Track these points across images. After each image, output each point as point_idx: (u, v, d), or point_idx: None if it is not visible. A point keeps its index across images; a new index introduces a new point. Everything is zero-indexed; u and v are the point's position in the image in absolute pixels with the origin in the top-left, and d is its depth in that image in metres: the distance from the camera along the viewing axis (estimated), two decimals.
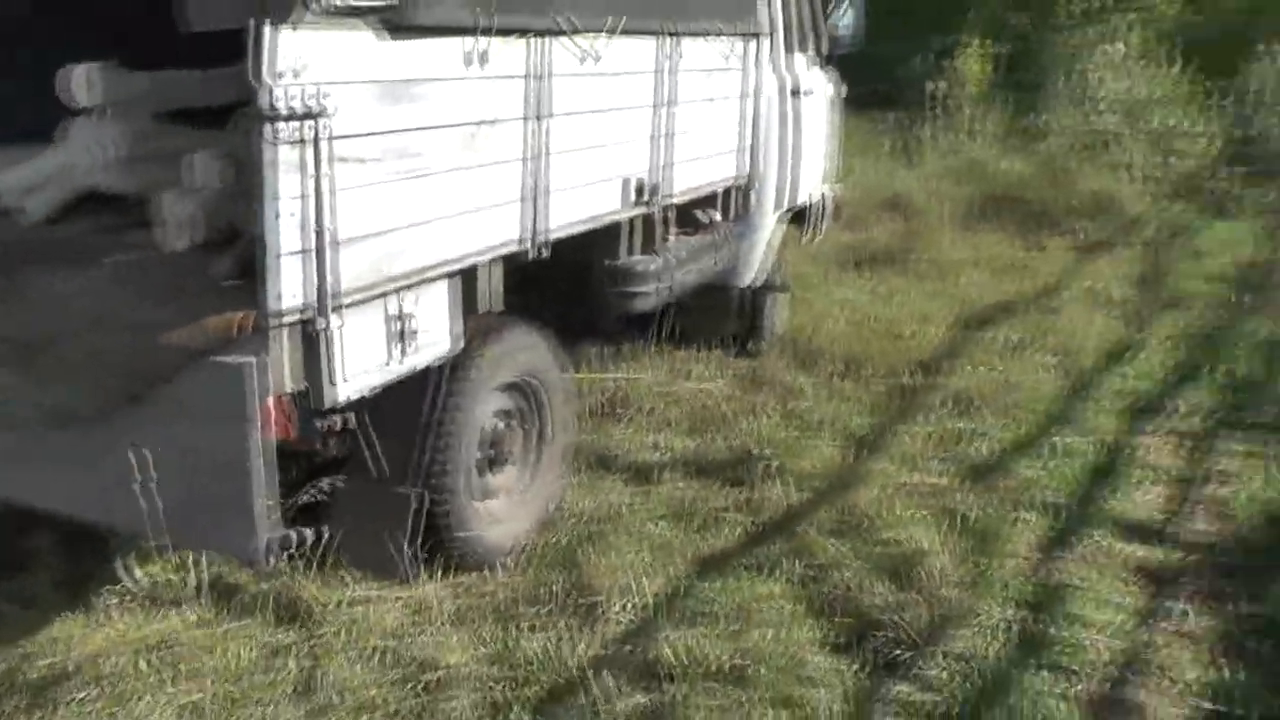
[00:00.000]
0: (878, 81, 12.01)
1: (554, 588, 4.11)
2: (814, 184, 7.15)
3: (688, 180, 5.57)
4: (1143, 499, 5.13)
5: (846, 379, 6.45)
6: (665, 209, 5.45)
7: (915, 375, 6.51)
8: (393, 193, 3.42)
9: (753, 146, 6.26)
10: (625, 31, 4.56)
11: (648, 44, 4.96)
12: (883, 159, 11.84)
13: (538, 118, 4.12)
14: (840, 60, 7.51)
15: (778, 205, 6.61)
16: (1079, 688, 3.64)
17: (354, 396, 3.42)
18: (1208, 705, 3.58)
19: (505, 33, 3.82)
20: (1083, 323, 7.52)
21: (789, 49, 6.58)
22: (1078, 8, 13.16)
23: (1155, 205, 10.75)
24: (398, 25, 3.28)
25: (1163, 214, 10.54)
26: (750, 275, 6.58)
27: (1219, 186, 11.40)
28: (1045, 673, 3.70)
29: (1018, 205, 10.43)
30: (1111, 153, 11.56)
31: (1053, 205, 10.48)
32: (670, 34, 5.08)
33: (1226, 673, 3.76)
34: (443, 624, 3.89)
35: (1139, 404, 6.23)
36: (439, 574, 4.12)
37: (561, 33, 4.16)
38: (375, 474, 3.82)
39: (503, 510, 4.45)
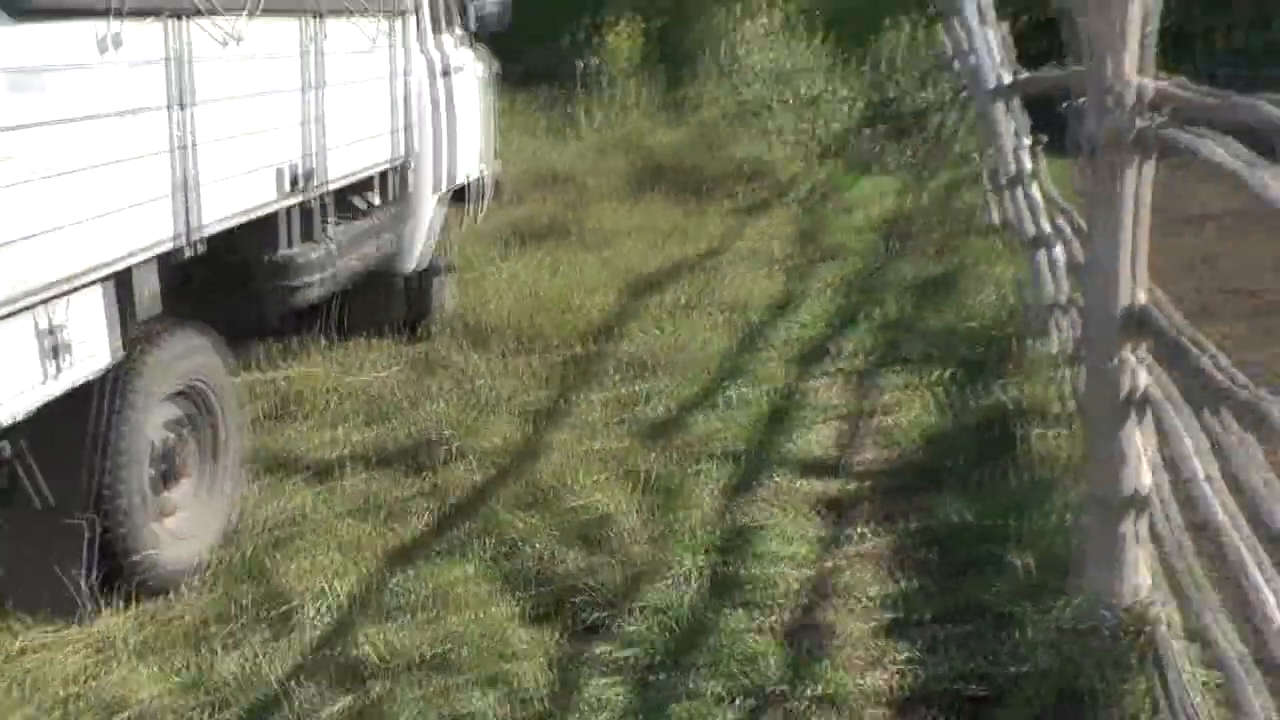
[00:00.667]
0: (528, 59, 12.02)
1: (244, 601, 3.88)
2: (472, 163, 7.07)
3: (343, 165, 5.39)
4: (816, 438, 5.31)
5: (520, 355, 6.37)
6: (323, 196, 5.25)
7: (588, 344, 6.51)
8: (28, 193, 3.12)
9: (406, 127, 6.12)
10: (266, 11, 4.37)
11: (291, 24, 4.78)
12: (540, 135, 11.89)
13: (181, 105, 3.91)
14: (490, 39, 7.45)
15: (436, 186, 6.49)
16: (773, 619, 3.72)
17: (6, 422, 3.15)
18: (889, 615, 3.73)
19: (139, 14, 3.60)
20: (746, 280, 7.75)
21: (436, 28, 6.47)
22: None
23: (806, 167, 11.26)
24: (18, 9, 3.00)
25: (813, 174, 11.06)
26: (414, 258, 6.43)
27: (862, 146, 12.07)
28: (740, 610, 3.76)
29: (676, 174, 10.69)
30: (762, 120, 12.01)
31: (710, 172, 10.79)
32: (313, 13, 4.91)
33: (903, 584, 3.93)
34: (130, 659, 3.57)
35: (805, 351, 6.46)
36: (121, 605, 3.82)
37: (199, 13, 3.96)
38: (40, 504, 3.52)
39: (183, 527, 4.18)
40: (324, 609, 3.82)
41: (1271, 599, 2.36)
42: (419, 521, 4.53)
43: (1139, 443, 3.24)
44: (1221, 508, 2.68)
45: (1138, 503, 3.22)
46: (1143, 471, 3.23)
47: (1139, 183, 3.14)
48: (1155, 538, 3.26)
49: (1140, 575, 3.26)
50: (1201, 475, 2.76)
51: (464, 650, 3.53)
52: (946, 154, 10.44)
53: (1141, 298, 3.19)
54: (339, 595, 3.88)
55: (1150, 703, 2.93)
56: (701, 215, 9.90)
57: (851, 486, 4.79)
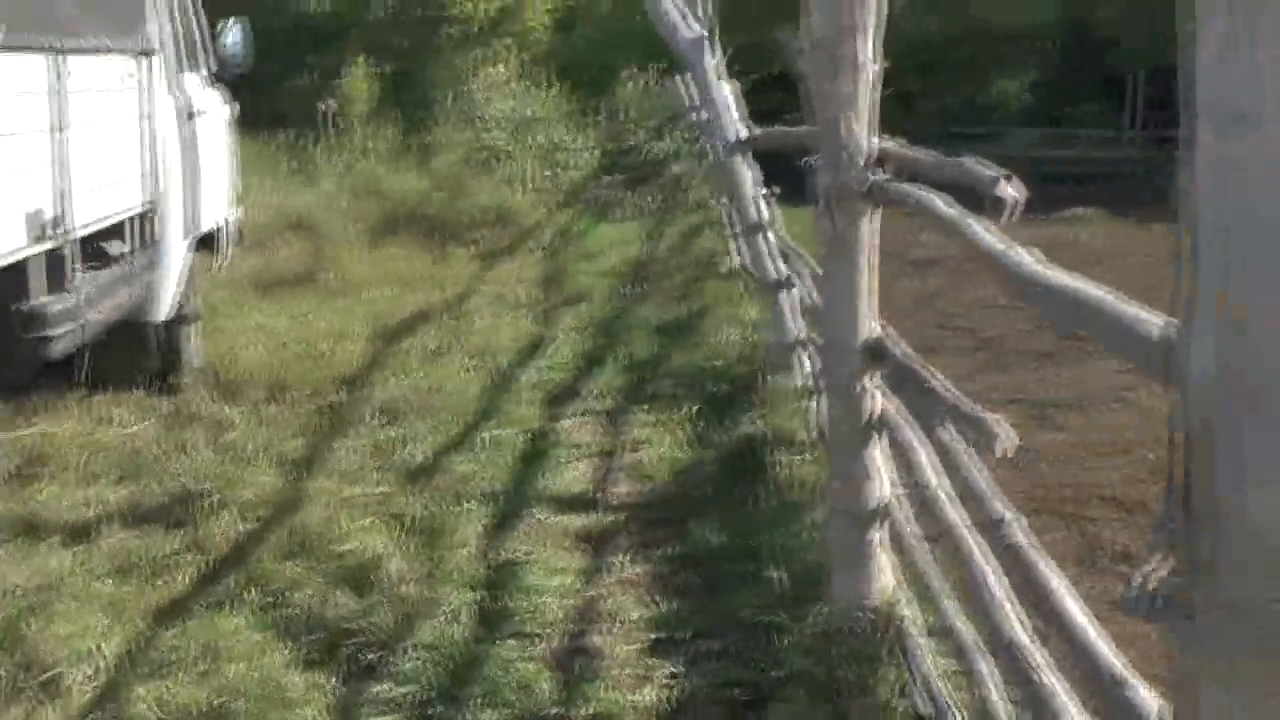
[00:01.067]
0: (267, 101, 11.85)
1: (1, 671, 3.68)
2: (219, 208, 6.95)
3: (93, 209, 5.23)
4: (572, 475, 5.52)
5: (273, 404, 6.31)
6: (72, 242, 5.05)
7: (340, 392, 6.52)
8: None
9: (155, 171, 5.95)
10: (6, 48, 4.25)
11: (34, 61, 4.62)
12: (280, 179, 11.72)
13: None
14: (229, 81, 7.36)
15: (185, 232, 6.34)
16: (543, 647, 3.88)
17: None
18: (654, 635, 3.96)
19: None
20: (495, 325, 7.91)
21: (181, 68, 6.35)
22: (457, 31, 13.79)
23: (548, 213, 11.54)
24: None
25: (555, 221, 11.34)
26: (164, 307, 6.25)
27: (602, 193, 12.45)
28: (511, 641, 3.89)
29: (419, 220, 10.76)
30: (504, 167, 12.23)
31: (453, 219, 10.91)
32: (58, 51, 4.76)
33: (664, 606, 4.17)
34: None
35: (555, 393, 6.68)
36: None
37: None
38: None
39: None
40: (91, 672, 3.69)
41: (1000, 591, 2.70)
42: (184, 577, 4.42)
43: (879, 460, 3.61)
44: (952, 512, 3.05)
45: (880, 513, 3.59)
46: (883, 485, 3.60)
47: (870, 230, 3.52)
48: (897, 544, 3.64)
49: (886, 578, 3.63)
50: (934, 484, 3.14)
51: (241, 701, 3.50)
52: (683, 202, 10.93)
53: (877, 330, 3.56)
54: (106, 657, 3.75)
55: (899, 690, 3.26)
56: (447, 261, 10.00)
57: (609, 519, 5.01)
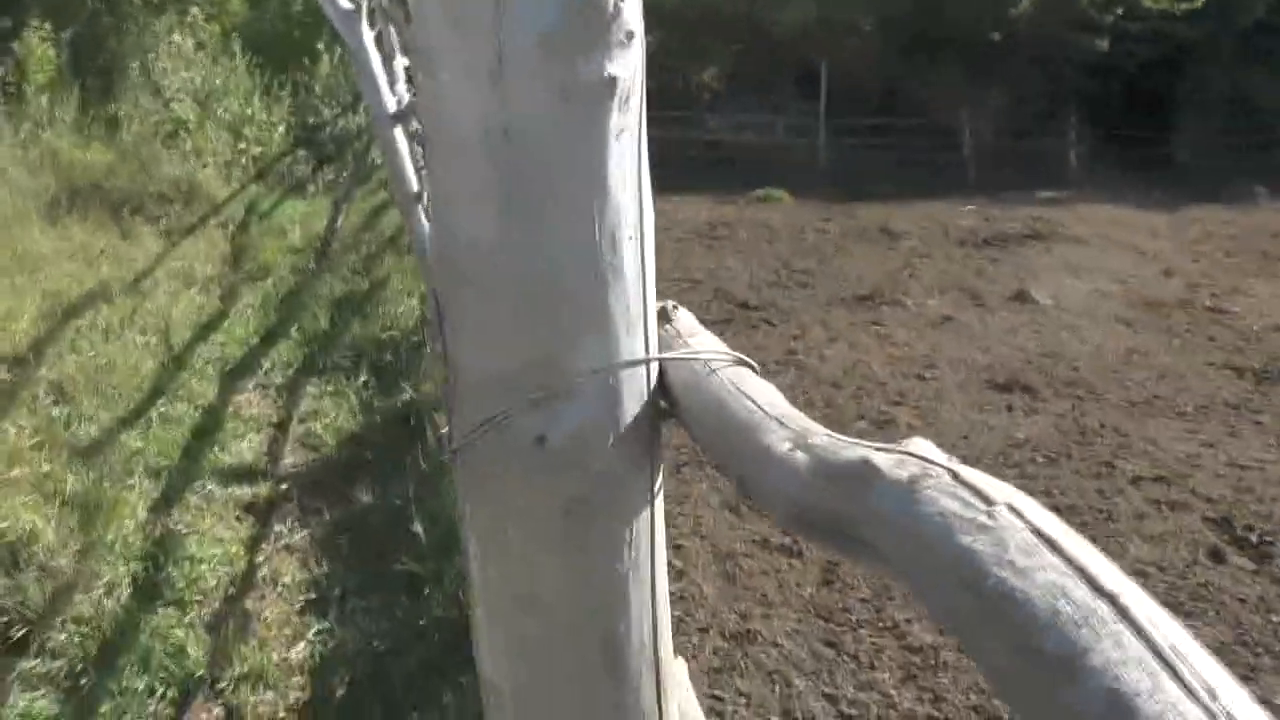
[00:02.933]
0: None
1: None
2: None
3: None
4: (244, 448, 5.66)
5: None
6: None
7: (8, 371, 6.38)
8: None
9: None
10: None
11: None
12: None
13: None
14: None
15: None
16: (201, 613, 4.07)
17: None
18: (309, 596, 4.22)
19: None
20: (176, 301, 7.86)
21: None
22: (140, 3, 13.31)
23: (235, 188, 11.39)
24: None
25: (243, 196, 11.21)
26: None
27: (292, 169, 12.37)
28: (169, 609, 4.06)
29: (103, 194, 10.41)
30: (191, 138, 11.95)
31: (139, 193, 10.62)
32: None
33: (322, 568, 4.43)
34: None
35: (232, 367, 6.75)
36: None
37: None
38: None
39: None
40: None
41: None
42: None
43: None
44: None
45: None
46: None
47: None
48: None
49: None
50: None
51: None
52: (369, 178, 11.04)
53: None
54: None
55: None
56: (132, 237, 9.76)
57: (279, 490, 5.21)
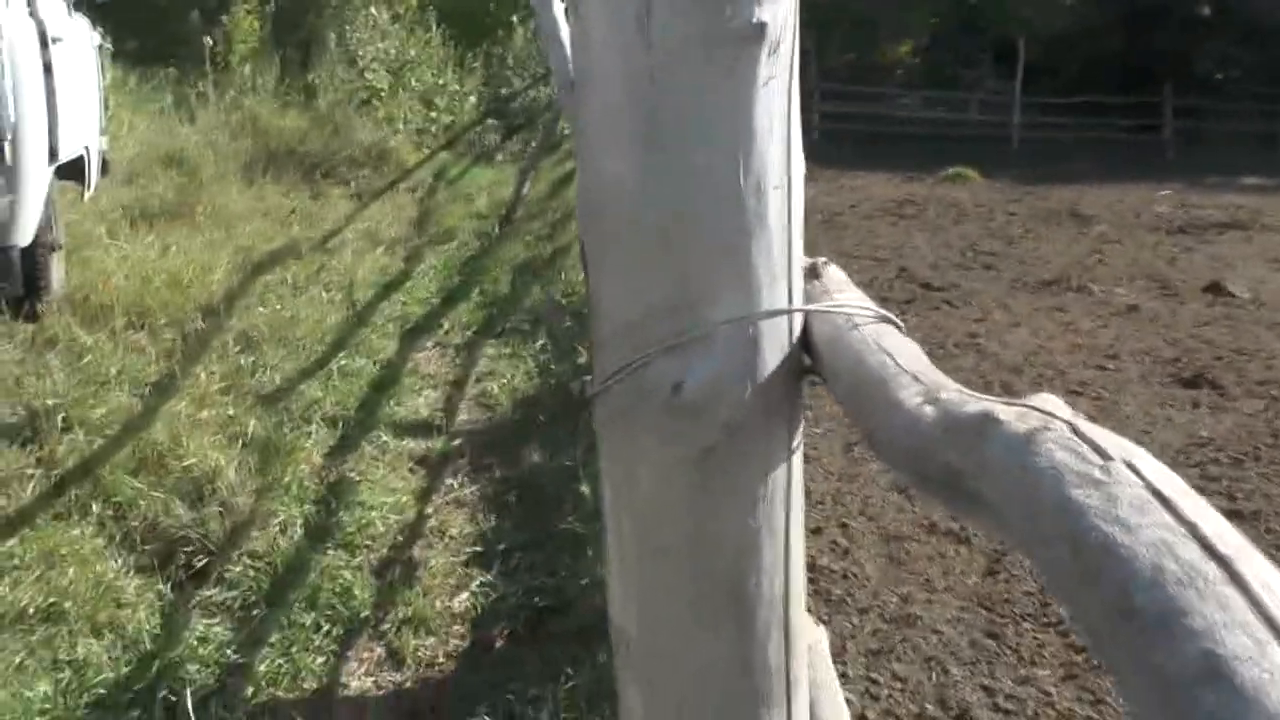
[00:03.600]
0: (152, 38, 11.76)
1: None
2: (84, 137, 6.96)
3: None
4: (419, 403, 5.78)
5: (133, 331, 6.43)
6: None
7: (203, 321, 6.66)
8: None
9: (9, 94, 5.98)
10: None
11: None
12: (161, 115, 11.66)
13: None
14: (111, 13, 7.39)
15: (45, 158, 6.38)
16: (369, 557, 4.16)
17: None
18: (473, 549, 4.27)
19: None
20: (362, 261, 8.09)
21: None
22: None
23: (425, 155, 11.68)
24: None
25: (432, 163, 11.49)
26: (23, 233, 6.29)
27: (482, 138, 12.61)
28: (338, 551, 4.16)
29: (298, 158, 10.82)
30: (383, 107, 12.31)
31: (331, 157, 10.99)
32: None
33: (489, 523, 4.47)
34: None
35: (412, 326, 6.90)
36: None
37: None
38: None
39: None
40: None
41: None
42: (28, 490, 4.53)
43: None
44: None
45: None
46: None
47: None
48: None
49: None
50: None
51: (72, 602, 3.67)
52: (554, 148, 11.16)
53: None
54: None
55: None
56: (322, 199, 10.12)
57: (452, 445, 5.29)
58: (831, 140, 17.84)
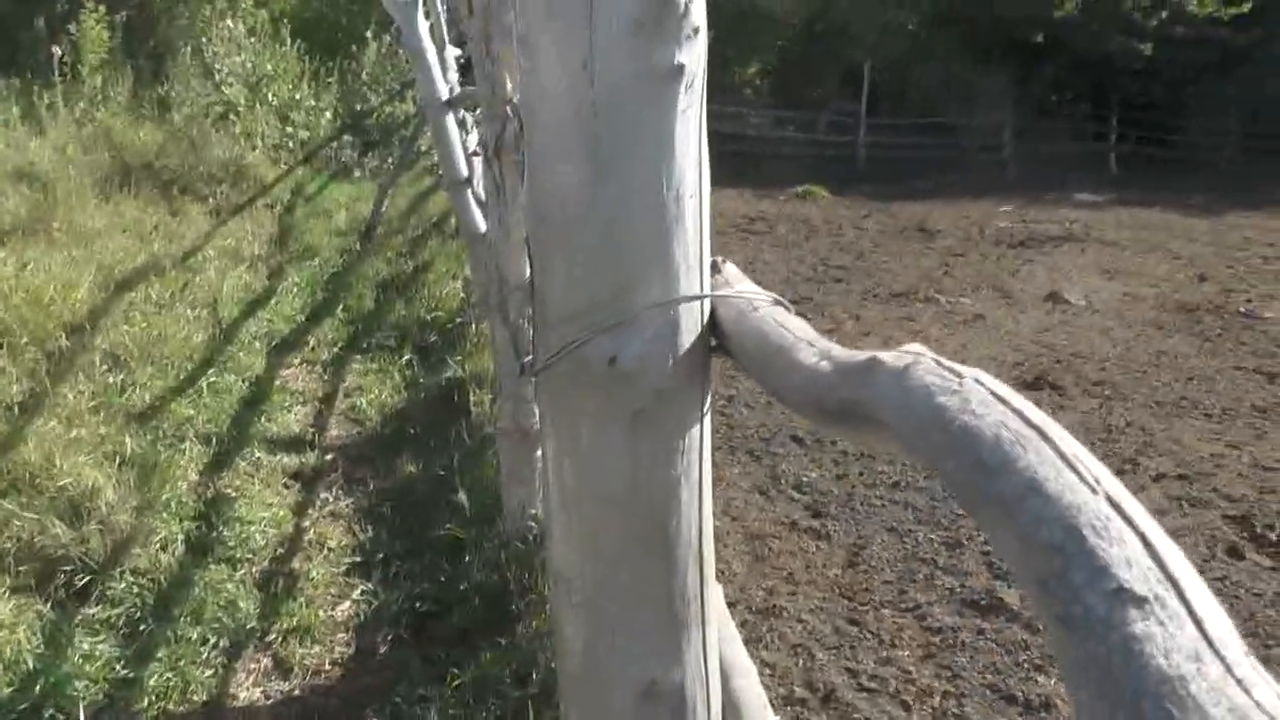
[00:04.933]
0: None
1: None
2: None
3: None
4: (290, 419, 5.88)
5: None
6: None
7: (67, 339, 6.61)
8: None
9: None
10: None
11: None
12: (8, 128, 11.36)
13: None
14: None
15: None
16: (251, 570, 4.28)
17: None
18: (351, 560, 4.41)
19: None
20: (223, 277, 8.08)
21: None
22: None
23: (283, 171, 11.63)
24: None
25: (290, 178, 11.45)
26: None
27: (339, 154, 12.60)
28: (221, 566, 4.27)
29: (154, 173, 10.67)
30: (241, 122, 12.20)
31: (189, 172, 10.86)
32: None
33: (365, 534, 4.62)
34: None
35: (279, 342, 6.97)
36: None
37: None
38: None
39: None
40: None
41: None
42: None
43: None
44: None
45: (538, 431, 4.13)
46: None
47: None
48: None
49: None
50: None
51: None
52: (412, 164, 11.25)
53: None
54: None
55: None
56: (182, 215, 10.01)
57: (323, 459, 5.42)
58: None
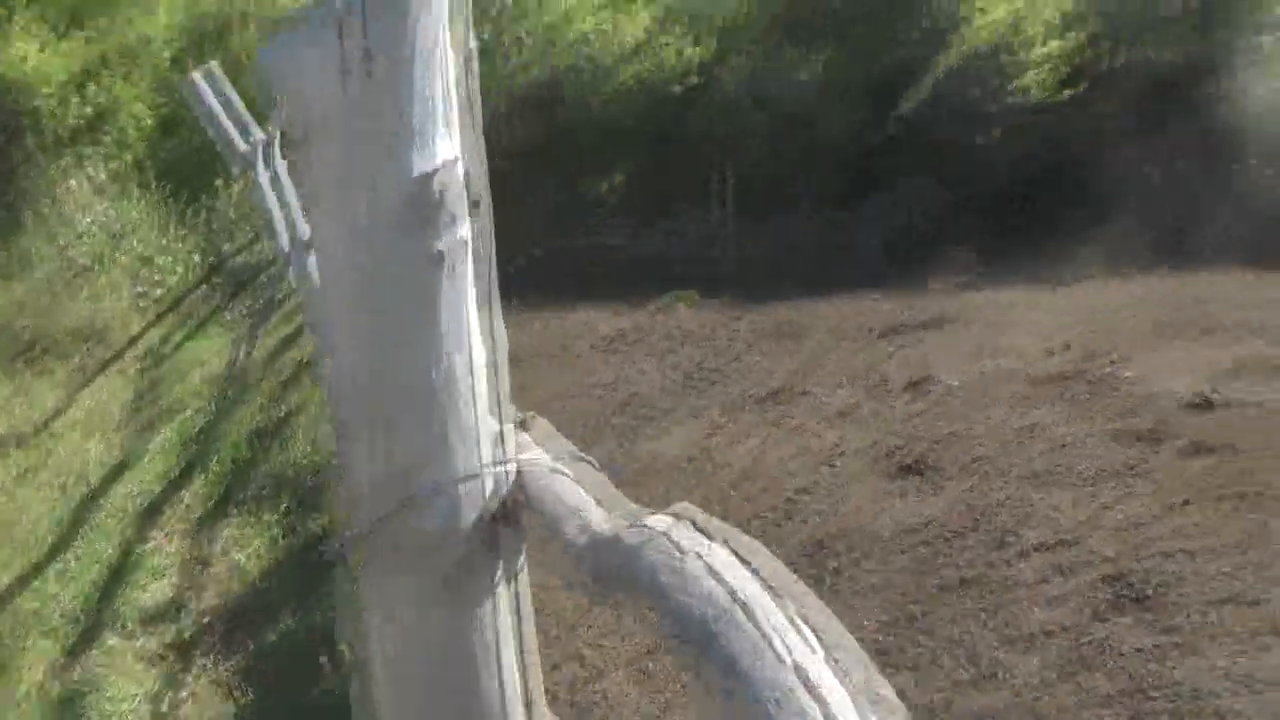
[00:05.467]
0: None
1: None
2: None
3: None
4: (164, 585, 5.69)
5: None
6: None
7: None
8: None
9: None
10: None
11: None
12: None
13: None
14: None
15: None
16: None
17: None
18: None
19: None
20: (88, 441, 7.86)
21: None
22: (49, 134, 13.36)
23: (149, 321, 11.40)
24: None
25: (155, 329, 11.23)
26: None
27: (205, 300, 12.42)
28: None
29: (11, 334, 10.39)
30: (103, 273, 11.97)
31: (48, 331, 10.60)
32: None
33: (245, 697, 4.47)
34: None
35: (149, 505, 6.76)
36: None
37: None
38: None
39: None
40: None
41: None
42: None
43: None
44: None
45: None
46: None
47: None
48: None
49: None
50: None
51: None
52: (279, 305, 11.12)
53: None
54: None
55: None
56: (42, 376, 9.74)
57: (199, 623, 5.24)
58: (550, 278, 18.42)
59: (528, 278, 18.40)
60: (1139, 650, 4.84)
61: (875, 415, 9.09)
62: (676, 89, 18.24)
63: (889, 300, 16.32)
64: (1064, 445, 8.07)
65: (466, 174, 1.61)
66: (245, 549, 6.04)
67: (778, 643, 1.00)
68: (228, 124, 7.99)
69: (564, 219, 19.88)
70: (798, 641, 1.00)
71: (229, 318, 11.87)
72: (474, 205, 1.63)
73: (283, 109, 1.63)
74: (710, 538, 1.22)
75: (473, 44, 1.66)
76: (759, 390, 10.02)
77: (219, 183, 13.86)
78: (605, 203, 21.57)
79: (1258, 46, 21.94)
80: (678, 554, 1.21)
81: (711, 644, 1.04)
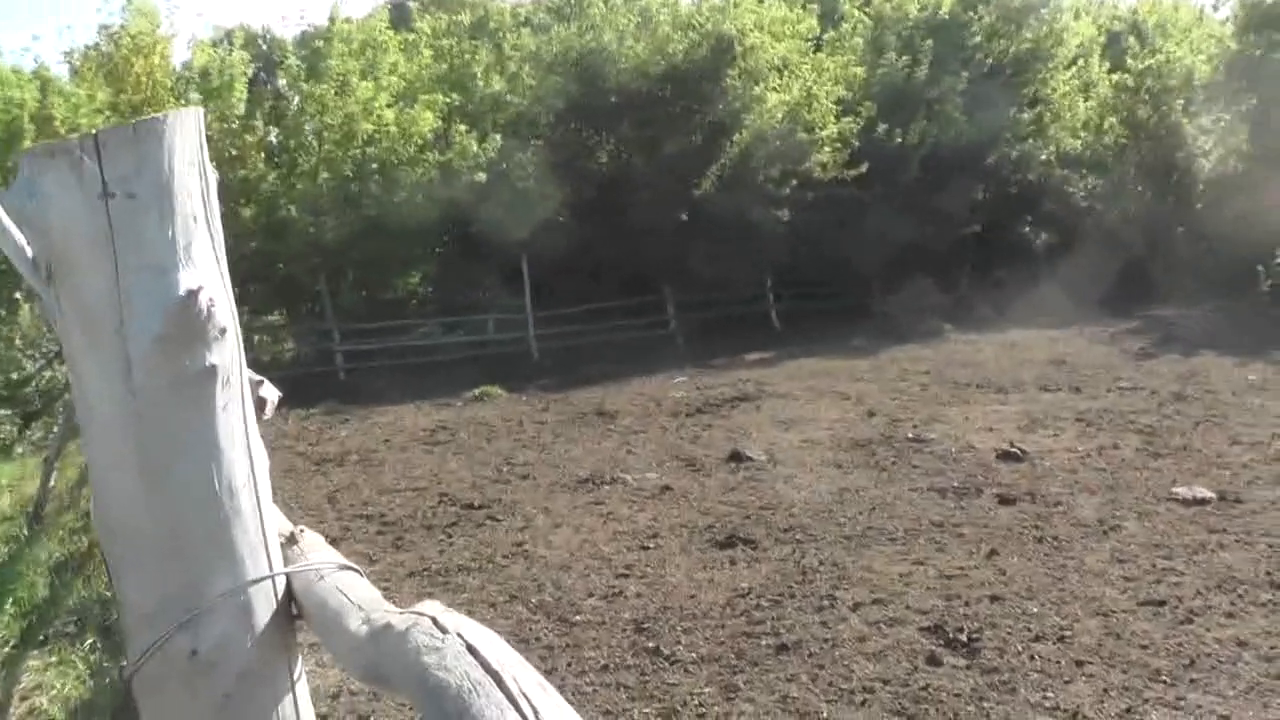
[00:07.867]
0: None
1: None
2: None
3: None
4: None
5: None
6: None
7: None
8: None
9: None
10: None
11: None
12: None
13: None
14: None
15: None
16: None
17: None
18: None
19: None
20: None
21: None
22: None
23: None
24: None
25: None
26: None
27: (5, 426, 11.81)
28: None
29: None
30: None
31: None
32: None
33: None
34: None
35: None
36: None
37: None
38: None
39: None
40: None
41: None
42: None
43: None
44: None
45: None
46: None
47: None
48: None
49: None
50: None
51: None
52: (79, 431, 10.64)
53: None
54: None
55: None
56: None
57: None
58: (359, 378, 18.29)
59: (339, 379, 18.20)
60: (957, 695, 5.04)
61: (688, 494, 9.25)
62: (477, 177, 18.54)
63: (699, 378, 16.64)
64: (875, 507, 8.38)
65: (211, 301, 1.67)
66: (49, 691, 5.71)
67: (525, 707, 1.12)
68: (17, 234, 7.67)
69: (374, 317, 19.74)
70: (545, 701, 1.13)
71: (21, 449, 11.33)
72: (221, 331, 1.68)
73: (31, 246, 1.66)
74: (445, 631, 1.33)
75: (212, 174, 1.74)
76: (570, 479, 10.07)
77: (19, 295, 13.31)
78: (411, 299, 21.54)
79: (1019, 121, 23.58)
80: (439, 632, 1.33)
81: (465, 714, 1.14)
